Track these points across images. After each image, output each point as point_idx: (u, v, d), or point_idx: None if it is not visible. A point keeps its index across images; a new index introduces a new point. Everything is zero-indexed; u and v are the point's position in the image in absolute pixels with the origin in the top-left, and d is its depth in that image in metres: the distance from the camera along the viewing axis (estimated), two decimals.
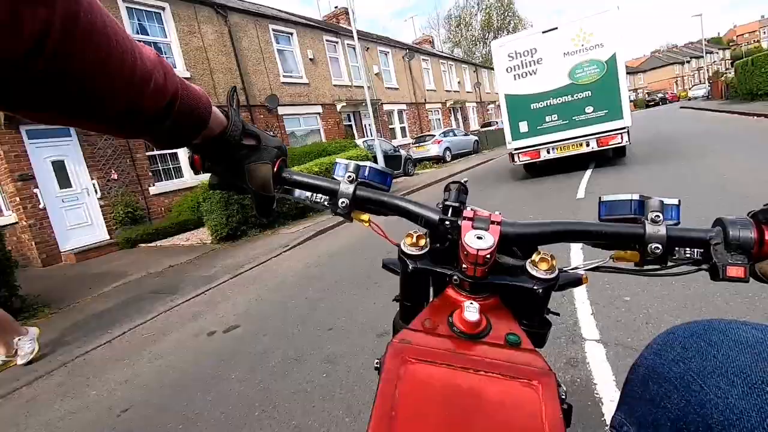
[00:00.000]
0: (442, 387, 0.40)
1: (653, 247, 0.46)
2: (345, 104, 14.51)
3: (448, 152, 15.34)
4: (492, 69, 39.26)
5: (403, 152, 12.87)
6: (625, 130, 6.63)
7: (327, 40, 14.08)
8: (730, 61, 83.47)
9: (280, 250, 5.36)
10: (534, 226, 0.51)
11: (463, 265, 0.47)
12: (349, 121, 15.07)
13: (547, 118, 7.23)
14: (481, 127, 24.84)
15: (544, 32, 6.79)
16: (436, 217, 0.53)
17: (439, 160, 14.28)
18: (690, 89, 45.15)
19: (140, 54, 0.35)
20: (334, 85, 14.40)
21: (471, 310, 0.45)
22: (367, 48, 16.50)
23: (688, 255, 0.47)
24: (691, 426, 0.31)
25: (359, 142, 11.94)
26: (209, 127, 0.50)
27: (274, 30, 12.27)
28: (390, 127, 17.25)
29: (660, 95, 41.72)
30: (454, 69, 25.29)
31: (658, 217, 0.47)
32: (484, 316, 0.45)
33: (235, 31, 11.04)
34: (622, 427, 0.36)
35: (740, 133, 8.27)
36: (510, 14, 45.28)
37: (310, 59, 13.52)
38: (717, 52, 64.56)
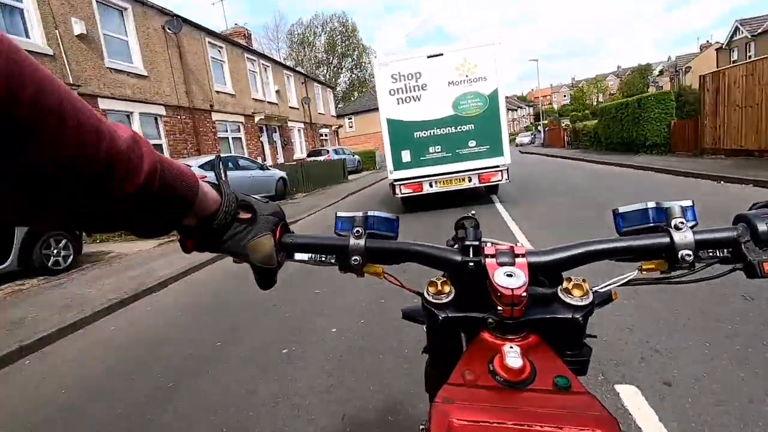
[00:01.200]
0: None
1: (684, 254, 0.51)
2: None
3: None
4: (331, 87, 33.34)
5: None
6: (506, 167, 7.76)
7: None
8: (533, 116, 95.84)
9: None
10: (559, 251, 0.56)
11: (498, 308, 0.51)
12: None
13: (431, 149, 7.52)
14: (307, 156, 21.75)
15: (429, 57, 7.39)
16: (457, 258, 0.56)
17: None
18: (517, 136, 57.11)
19: (110, 133, 0.39)
20: None
21: (513, 355, 0.47)
22: None
23: (711, 254, 0.53)
24: None
25: None
26: (198, 207, 0.52)
27: None
28: None
29: None
30: (271, 72, 21.01)
31: (682, 223, 0.52)
32: (527, 360, 0.49)
33: None
34: None
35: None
36: (354, 41, 51.03)
37: None
38: (524, 108, 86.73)
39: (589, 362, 0.56)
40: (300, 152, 23.02)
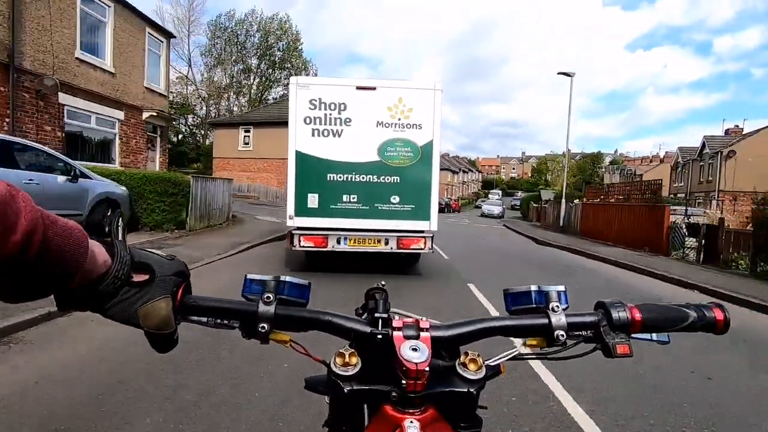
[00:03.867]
0: None
1: (559, 334, 0.61)
2: None
3: None
4: (167, 35, 19.65)
5: None
6: (431, 235, 6.79)
7: None
8: (481, 183, 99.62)
9: None
10: (459, 326, 0.62)
11: (402, 381, 0.54)
12: None
13: (345, 197, 6.44)
14: None
15: (358, 88, 6.43)
16: (366, 330, 0.59)
17: None
18: (484, 201, 49.78)
19: None
20: None
21: (413, 431, 0.52)
22: None
23: (578, 334, 0.63)
24: None
25: None
26: (84, 270, 0.48)
27: None
28: None
29: (444, 200, 42.98)
30: None
31: (558, 306, 0.62)
32: None
33: None
34: None
35: None
36: (295, 53, 43.77)
37: None
38: (474, 172, 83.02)
39: None
40: None
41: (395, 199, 6.49)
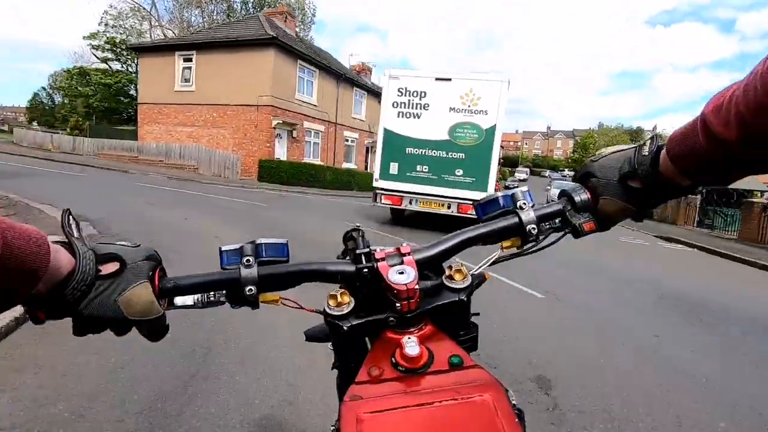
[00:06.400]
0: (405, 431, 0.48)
1: (530, 228, 0.64)
2: None
3: None
4: None
5: None
6: None
7: None
8: (502, 160, 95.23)
9: None
10: (438, 245, 0.65)
11: (396, 305, 0.57)
12: None
13: (419, 167, 8.08)
14: None
15: (437, 79, 7.95)
16: (352, 268, 0.61)
17: None
18: (550, 185, 30.88)
19: None
20: None
21: (411, 344, 0.53)
22: None
23: (548, 226, 0.68)
24: None
25: None
26: (50, 272, 0.46)
27: None
28: None
29: None
30: None
31: (525, 204, 0.66)
32: (425, 347, 0.55)
33: None
34: None
35: None
36: None
37: None
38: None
39: (478, 338, 0.66)
40: None
41: (459, 172, 8.00)
